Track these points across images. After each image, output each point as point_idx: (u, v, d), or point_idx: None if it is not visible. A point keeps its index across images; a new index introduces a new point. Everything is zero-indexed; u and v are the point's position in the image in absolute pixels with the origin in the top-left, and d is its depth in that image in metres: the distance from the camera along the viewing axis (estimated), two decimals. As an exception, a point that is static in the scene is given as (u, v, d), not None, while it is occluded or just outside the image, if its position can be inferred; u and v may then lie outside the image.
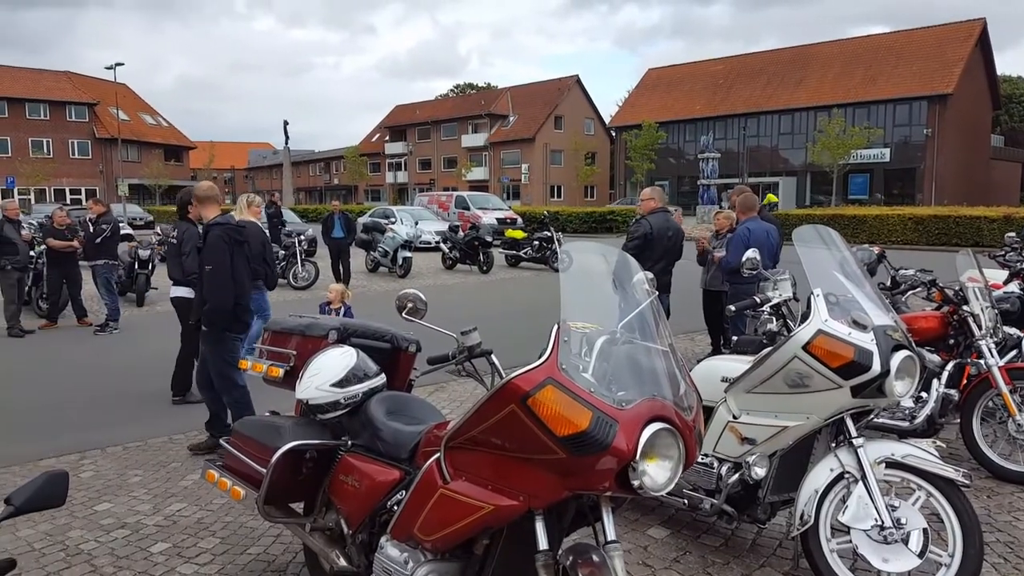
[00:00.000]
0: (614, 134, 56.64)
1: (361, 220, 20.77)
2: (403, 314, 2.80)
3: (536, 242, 18.00)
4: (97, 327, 10.00)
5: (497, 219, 24.32)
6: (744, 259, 4.42)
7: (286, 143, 45.65)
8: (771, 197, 17.49)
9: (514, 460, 2.14)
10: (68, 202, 41.47)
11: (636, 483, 2.03)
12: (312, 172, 78.71)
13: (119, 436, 5.50)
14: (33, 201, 42.45)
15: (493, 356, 2.48)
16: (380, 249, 16.41)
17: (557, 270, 16.91)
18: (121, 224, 12.49)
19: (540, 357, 2.09)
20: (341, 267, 14.37)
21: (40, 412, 6.19)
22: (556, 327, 2.15)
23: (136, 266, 12.34)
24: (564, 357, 2.11)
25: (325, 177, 76.42)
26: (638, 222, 6.56)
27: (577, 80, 60.09)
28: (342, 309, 6.58)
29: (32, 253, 10.62)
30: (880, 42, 45.34)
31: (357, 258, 15.94)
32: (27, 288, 10.70)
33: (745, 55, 52.83)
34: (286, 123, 45.05)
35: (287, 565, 3.53)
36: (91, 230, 10.09)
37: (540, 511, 2.16)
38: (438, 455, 2.34)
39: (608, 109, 66.63)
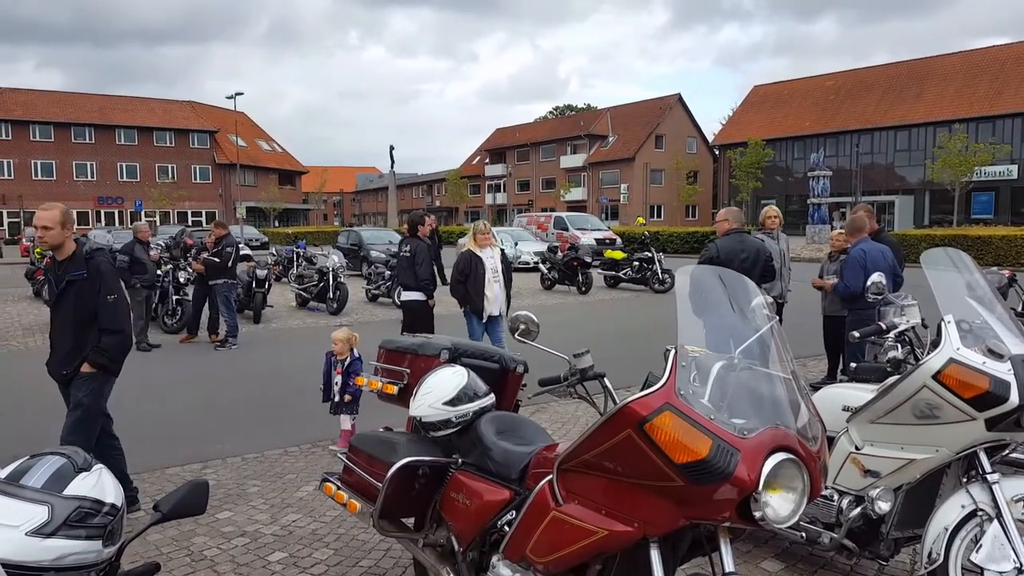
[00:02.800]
0: (717, 152, 55.47)
1: (461, 240, 21.21)
2: (515, 335, 2.83)
3: (636, 263, 17.79)
4: (218, 343, 10.63)
5: (596, 239, 24.24)
6: (869, 283, 4.22)
7: (391, 167, 47.26)
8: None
9: (629, 485, 2.12)
10: (190, 224, 44.52)
11: (758, 515, 1.97)
12: (415, 195, 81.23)
13: (238, 448, 5.80)
14: (159, 223, 45.79)
15: (606, 379, 2.46)
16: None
17: (657, 291, 16.71)
18: (240, 245, 13.29)
19: (657, 382, 2.07)
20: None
21: (164, 423, 6.61)
22: (673, 351, 2.11)
23: (254, 285, 13.03)
24: (682, 383, 2.07)
25: (427, 199, 78.63)
26: (707, 246, 6.41)
27: (679, 98, 59.36)
28: (348, 360, 5.74)
29: (159, 272, 11.43)
30: (1005, 53, 42.49)
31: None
32: (154, 305, 11.54)
33: (857, 69, 50.75)
34: (392, 148, 46.68)
35: (397, 579, 3.61)
36: (211, 252, 10.76)
37: (655, 538, 2.13)
38: (550, 477, 2.34)
39: (710, 127, 65.39)
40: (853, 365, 4.05)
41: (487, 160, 69.06)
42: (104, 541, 1.43)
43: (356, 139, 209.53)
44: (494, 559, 2.53)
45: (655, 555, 2.12)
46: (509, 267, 7.95)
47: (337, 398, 5.75)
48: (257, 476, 5.19)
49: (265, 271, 13.40)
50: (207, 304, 11.00)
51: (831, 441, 3.27)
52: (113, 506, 1.44)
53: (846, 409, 3.33)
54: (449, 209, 72.30)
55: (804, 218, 34.01)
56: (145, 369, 9.21)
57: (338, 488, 3.24)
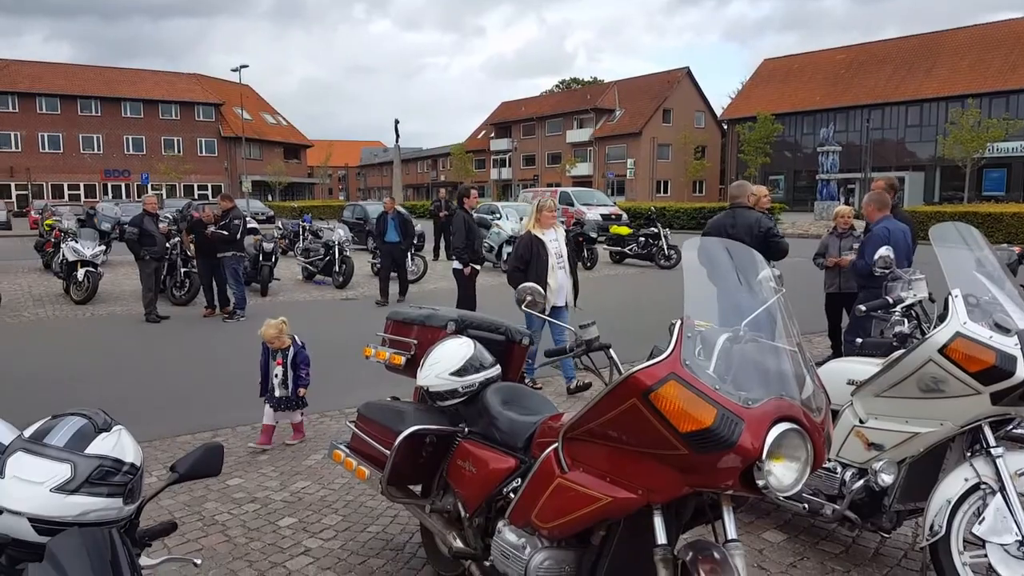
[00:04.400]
0: (726, 127, 54.95)
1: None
2: (522, 307, 2.85)
3: (642, 239, 17.75)
4: (226, 315, 10.70)
5: (602, 215, 24.14)
6: (876, 257, 4.21)
7: (396, 142, 46.98)
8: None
9: (633, 454, 2.15)
10: (196, 197, 44.52)
11: (761, 483, 2.00)
12: (420, 169, 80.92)
13: (247, 416, 5.85)
14: (165, 196, 45.81)
15: (611, 350, 2.49)
16: (485, 244, 16.66)
17: (663, 267, 16.69)
18: (247, 219, 13.31)
19: (661, 354, 2.09)
20: (398, 278, 12.25)
21: (174, 393, 6.70)
22: (679, 322, 2.13)
23: (261, 258, 13.09)
24: (687, 353, 2.09)
25: (432, 174, 78.34)
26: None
27: (687, 72, 58.66)
28: (291, 350, 5.25)
29: (167, 245, 11.48)
30: (1020, 27, 41.77)
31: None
32: (163, 277, 11.60)
33: (869, 43, 50.06)
34: (397, 122, 46.35)
35: (404, 544, 3.67)
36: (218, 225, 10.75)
37: (659, 505, 2.17)
38: (556, 445, 2.38)
39: (718, 102, 64.75)
40: (859, 340, 4.05)
41: (492, 134, 68.61)
42: (124, 499, 1.47)
43: (361, 113, 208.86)
44: (500, 524, 2.58)
45: (658, 522, 2.16)
46: (579, 248, 7.64)
47: (278, 392, 5.18)
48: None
49: (272, 244, 13.44)
50: (213, 278, 11.03)
51: (835, 414, 3.30)
52: (133, 465, 1.48)
53: (851, 383, 3.35)
54: (454, 184, 71.99)
55: (812, 194, 33.82)
56: (155, 340, 9.30)
57: (347, 455, 3.30)
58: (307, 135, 68.08)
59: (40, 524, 1.38)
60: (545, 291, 5.92)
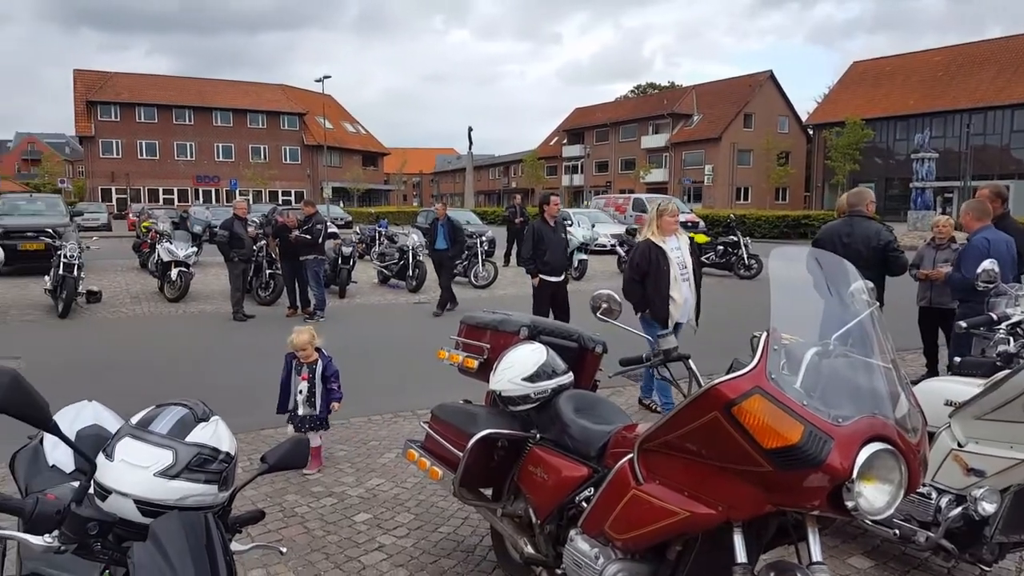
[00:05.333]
0: (811, 132, 53.14)
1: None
2: (597, 314, 2.83)
3: (720, 247, 17.34)
4: (306, 315, 11.04)
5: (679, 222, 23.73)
6: (979, 270, 3.96)
7: (469, 148, 47.76)
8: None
9: (713, 468, 2.09)
10: (280, 203, 46.23)
11: (851, 505, 1.91)
12: (492, 176, 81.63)
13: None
14: (251, 201, 47.63)
15: (691, 361, 2.43)
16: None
17: (743, 277, 16.24)
18: (328, 224, 13.72)
19: (743, 368, 2.03)
20: (440, 287, 11.75)
21: (259, 388, 6.90)
22: (765, 334, 2.06)
23: (339, 261, 13.46)
24: (773, 367, 2.02)
25: (503, 181, 78.91)
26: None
27: (770, 76, 57.00)
28: (319, 364, 4.84)
29: (254, 247, 11.94)
30: None
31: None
32: (249, 278, 12.08)
33: (970, 44, 47.45)
34: (470, 129, 47.19)
35: (475, 547, 3.69)
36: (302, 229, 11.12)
37: (739, 523, 2.09)
38: (631, 456, 2.34)
39: (804, 107, 62.77)
40: (957, 359, 3.83)
41: (565, 141, 68.48)
42: (220, 486, 1.53)
43: (437, 121, 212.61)
44: (572, 533, 2.56)
45: (738, 540, 2.09)
46: (700, 259, 6.47)
47: (301, 410, 4.79)
48: (343, 441, 5.39)
49: (350, 248, 13.80)
50: (296, 279, 11.40)
51: (931, 436, 3.12)
52: (228, 454, 1.55)
53: (948, 404, 3.16)
54: (525, 191, 72.34)
55: (905, 203, 32.24)
56: (241, 338, 9.69)
57: (421, 455, 3.34)
58: (384, 143, 69.72)
59: (144, 506, 1.45)
60: (668, 305, 5.56)
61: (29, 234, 15.54)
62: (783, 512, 2.11)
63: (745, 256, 16.50)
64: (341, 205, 49.66)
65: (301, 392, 4.78)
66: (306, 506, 4.23)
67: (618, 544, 2.35)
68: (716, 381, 2.01)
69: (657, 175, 56.94)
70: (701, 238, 18.54)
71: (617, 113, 64.45)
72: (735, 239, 16.98)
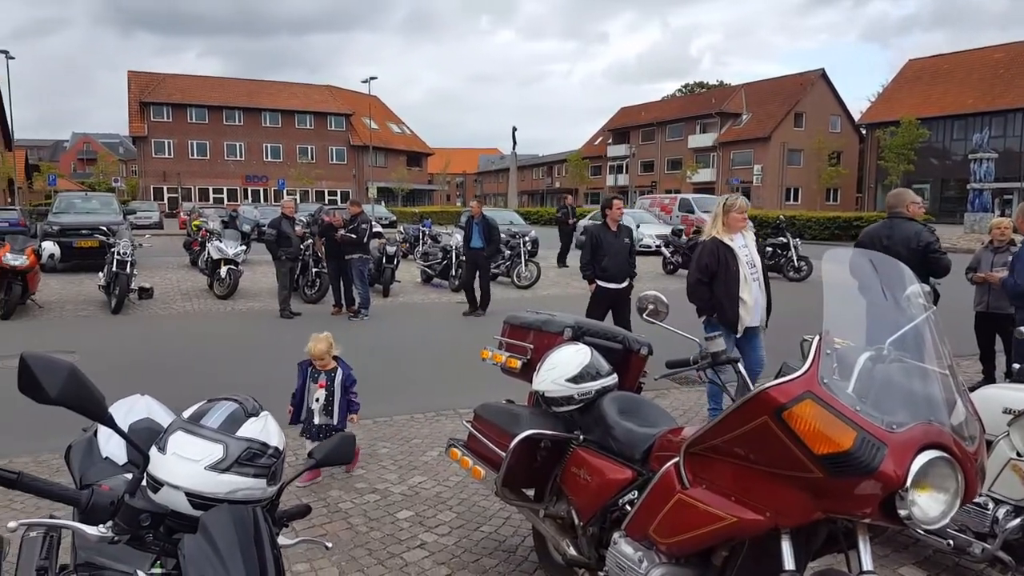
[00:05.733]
0: (864, 132, 51.79)
1: (582, 223, 21.05)
2: (643, 315, 2.80)
3: (769, 248, 17.01)
4: (351, 314, 11.20)
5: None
6: None
7: (513, 148, 47.77)
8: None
9: (761, 473, 2.05)
10: (326, 202, 46.93)
11: (904, 513, 1.86)
12: (535, 176, 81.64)
13: (369, 411, 6.04)
14: (298, 201, 48.54)
15: (740, 364, 2.39)
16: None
17: (792, 279, 15.91)
18: (373, 223, 13.89)
19: (792, 372, 1.99)
20: (479, 288, 11.55)
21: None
22: (817, 338, 2.02)
23: (384, 261, 13.61)
24: (825, 371, 1.97)
25: (547, 180, 78.85)
26: None
27: (822, 74, 55.70)
28: (338, 372, 4.67)
29: (301, 246, 12.16)
30: None
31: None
32: (296, 276, 12.31)
33: (1034, 40, 45.61)
34: (514, 129, 47.19)
35: (517, 547, 3.69)
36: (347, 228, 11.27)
37: (787, 529, 2.05)
38: (676, 460, 2.31)
39: (856, 106, 61.19)
40: (1016, 365, 3.69)
41: (610, 140, 68.06)
42: (268, 480, 1.56)
43: (481, 121, 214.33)
44: (615, 535, 2.54)
45: (786, 546, 2.05)
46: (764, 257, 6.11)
47: (318, 419, 4.60)
48: (386, 439, 5.45)
49: (394, 248, 13.94)
50: (341, 278, 11.56)
51: (988, 445, 3.02)
52: (276, 449, 1.57)
53: (1007, 412, 3.06)
54: (568, 190, 72.10)
55: (962, 205, 31.17)
56: (287, 335, 9.85)
57: (463, 454, 3.35)
58: (429, 143, 70.32)
59: (194, 498, 1.49)
60: (738, 307, 5.24)
61: (84, 232, 16.09)
62: (833, 519, 2.06)
63: (795, 258, 16.16)
64: (383, 203, 50.24)
65: (318, 400, 4.61)
66: (350, 502, 4.28)
67: (662, 548, 2.32)
68: (766, 385, 1.97)
69: (704, 175, 56.13)
70: (749, 239, 18.21)
71: (664, 112, 63.78)
72: (784, 240, 16.64)
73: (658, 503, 2.32)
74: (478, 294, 11.59)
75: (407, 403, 6.35)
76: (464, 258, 12.39)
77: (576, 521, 2.86)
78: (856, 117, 55.37)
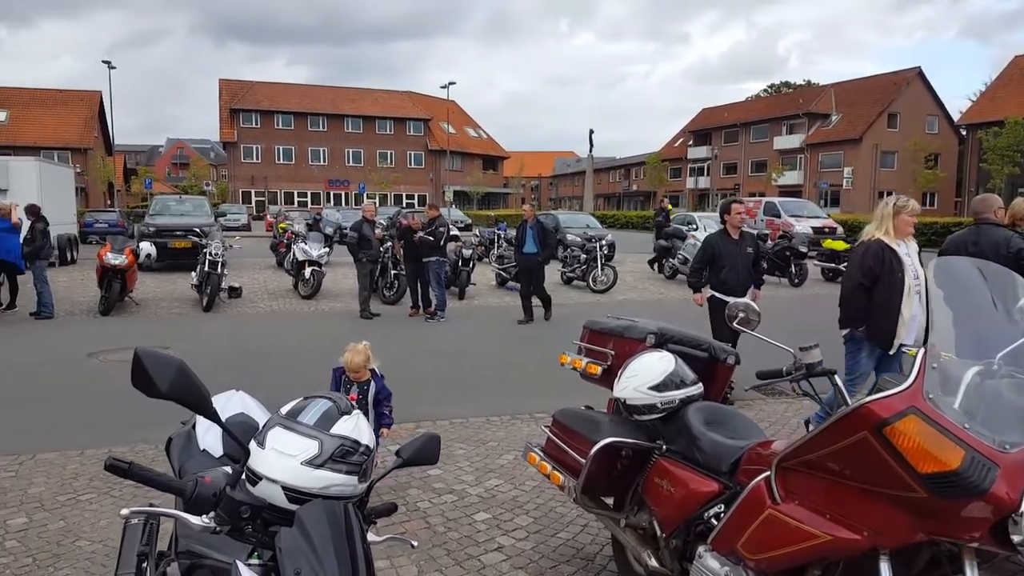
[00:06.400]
0: (964, 133, 49.02)
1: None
2: (734, 324, 2.72)
3: (857, 255, 16.29)
4: (428, 316, 11.37)
5: (813, 228, 22.47)
6: None
7: (590, 151, 47.47)
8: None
9: (859, 491, 1.97)
10: (404, 206, 47.92)
11: (1017, 539, 1.74)
12: (612, 179, 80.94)
13: (445, 412, 6.18)
14: (378, 204, 49.70)
15: (837, 377, 2.29)
16: (680, 256, 16.24)
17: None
18: (450, 227, 14.07)
19: (889, 387, 1.89)
20: (533, 294, 11.15)
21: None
22: (922, 351, 1.92)
23: (460, 264, 13.77)
24: (930, 385, 1.87)
25: (624, 183, 78.05)
26: None
27: (918, 73, 52.95)
28: (372, 385, 4.43)
29: (381, 249, 12.44)
30: None
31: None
32: (376, 278, 12.60)
33: None
34: (591, 132, 46.87)
35: (595, 555, 3.66)
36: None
37: (887, 551, 1.96)
38: (767, 474, 2.24)
39: (956, 105, 57.96)
40: None
41: (691, 142, 66.75)
42: (359, 477, 1.59)
43: (558, 124, 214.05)
44: (700, 549, 2.48)
45: (885, 568, 1.95)
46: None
47: None
48: (462, 440, 5.50)
49: (470, 251, 14.09)
50: (419, 280, 11.75)
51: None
52: (367, 447, 1.60)
53: None
54: (646, 193, 71.16)
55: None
56: (367, 336, 10.04)
57: (542, 459, 3.34)
58: (505, 146, 70.83)
59: (291, 493, 1.53)
60: (896, 321, 4.71)
61: (178, 233, 16.99)
62: (937, 542, 1.95)
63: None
64: (452, 206, 50.90)
65: None
66: (428, 501, 4.34)
67: (751, 564, 2.25)
68: (867, 399, 1.89)
69: (791, 177, 54.24)
70: (840, 245, 17.50)
71: (748, 113, 62.09)
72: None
73: (747, 518, 2.25)
74: (523, 301, 11.18)
75: (482, 405, 6.39)
76: (518, 263, 11.87)
77: (658, 532, 2.81)
78: (955, 117, 52.44)
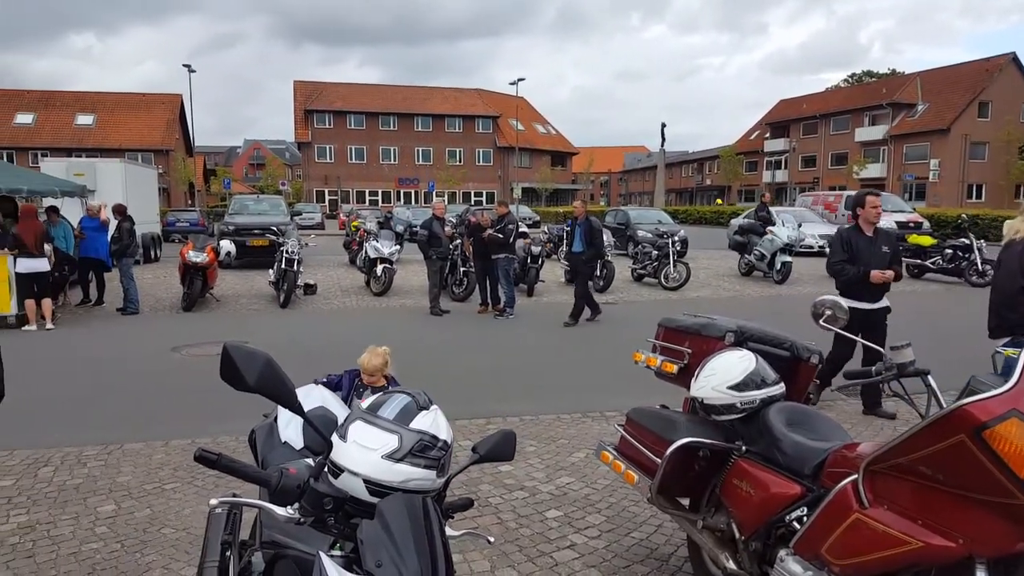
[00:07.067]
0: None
1: (735, 221, 20.23)
2: (820, 322, 2.63)
3: (949, 250, 15.51)
4: (496, 312, 11.43)
5: (897, 222, 21.49)
6: None
7: (662, 145, 46.87)
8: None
9: (954, 497, 1.88)
10: (472, 203, 48.33)
11: None
12: (684, 173, 79.54)
13: (515, 409, 6.19)
14: (447, 202, 50.22)
15: (930, 377, 2.18)
16: (756, 252, 15.81)
17: (975, 285, 14.42)
18: (519, 224, 14.09)
19: (983, 389, 1.79)
20: (584, 296, 10.68)
21: (453, 380, 7.25)
22: (1025, 351, 1.79)
23: (528, 261, 13.78)
24: (1035, 387, 1.75)
25: (697, 178, 76.57)
26: None
27: (1013, 59, 49.86)
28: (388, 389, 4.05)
29: (450, 246, 12.57)
30: None
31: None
32: (445, 275, 12.74)
33: None
34: (663, 125, 46.33)
35: (669, 556, 3.60)
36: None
37: (984, 560, 1.86)
38: (854, 477, 2.15)
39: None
40: None
41: (767, 135, 64.84)
42: (438, 472, 1.60)
43: (628, 119, 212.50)
44: (782, 553, 2.41)
45: (983, 578, 1.84)
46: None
47: None
48: (533, 437, 5.49)
49: (539, 248, 14.08)
50: (487, 277, 11.82)
51: None
52: (445, 442, 1.61)
53: None
54: (720, 188, 69.59)
55: None
56: (437, 332, 10.25)
57: (615, 457, 3.31)
58: (573, 142, 70.45)
59: (371, 486, 1.56)
60: None
61: (256, 231, 17.60)
62: (1041, 553, 1.83)
63: (978, 261, 14.62)
64: (520, 202, 50.95)
65: None
66: (499, 497, 4.36)
67: (836, 570, 2.18)
68: (964, 401, 1.79)
69: (873, 170, 52.00)
70: (926, 240, 16.68)
71: (828, 104, 59.86)
72: (967, 242, 15.10)
73: (833, 522, 2.17)
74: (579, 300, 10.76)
75: (552, 403, 6.38)
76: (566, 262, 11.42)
77: (737, 535, 2.74)
78: (1054, 105, 49.20)
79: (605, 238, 14.46)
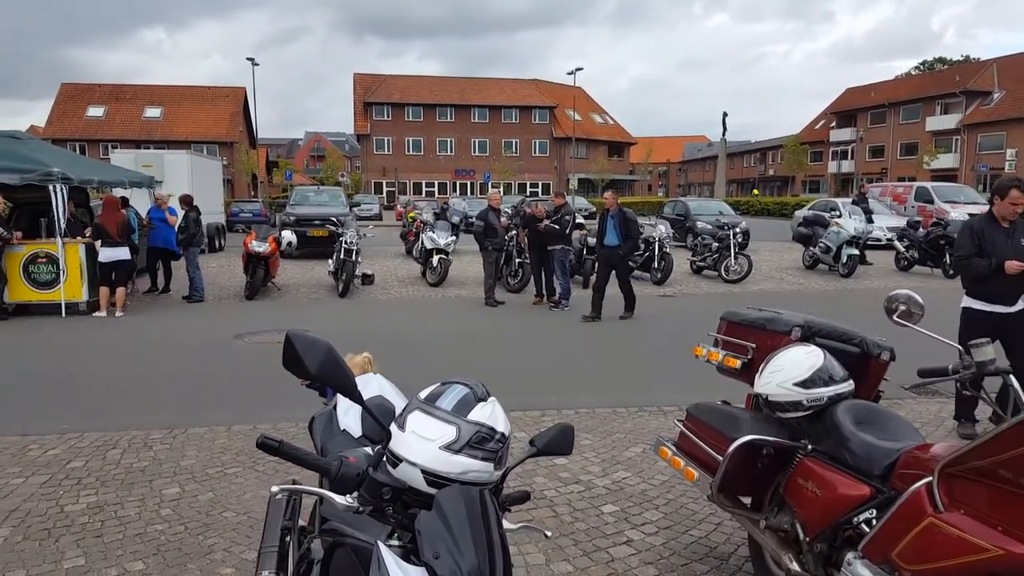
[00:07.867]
0: None
1: (799, 213, 19.66)
2: (893, 317, 2.51)
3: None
4: (551, 304, 11.39)
5: (970, 214, 20.56)
6: None
7: (723, 135, 45.81)
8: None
9: (1039, 504, 1.76)
10: (528, 194, 48.28)
11: None
12: (746, 164, 77.71)
13: (571, 401, 6.15)
14: (502, 193, 50.37)
15: (1012, 377, 2.05)
16: (822, 245, 15.32)
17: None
18: (575, 215, 13.99)
19: None
20: (622, 290, 10.45)
21: (507, 371, 7.25)
22: None
23: (584, 252, 13.69)
24: None
25: (759, 168, 74.72)
26: None
27: (1094, 42, 47.11)
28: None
29: (506, 237, 12.57)
30: None
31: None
32: (500, 266, 12.75)
33: None
34: (725, 114, 45.19)
35: (729, 555, 3.52)
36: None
37: (1071, 572, 1.74)
38: (929, 480, 2.05)
39: None
40: None
41: (833, 124, 62.73)
42: (495, 464, 1.59)
43: (687, 108, 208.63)
44: (849, 556, 2.32)
45: (1070, 593, 1.73)
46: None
47: None
48: (588, 430, 5.44)
49: (595, 239, 13.95)
50: (543, 269, 11.76)
51: None
52: (503, 434, 1.60)
53: None
54: (783, 179, 67.71)
55: None
56: (492, 323, 10.27)
57: (674, 454, 3.25)
58: (632, 132, 69.56)
59: (429, 476, 1.55)
60: None
61: (316, 222, 17.92)
62: None
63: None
64: (576, 193, 50.64)
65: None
66: (554, 490, 4.33)
67: (907, 575, 2.08)
68: (1055, 404, 1.67)
69: (945, 160, 49.77)
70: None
71: (897, 92, 57.53)
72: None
73: (904, 526, 2.08)
74: (594, 294, 10.42)
75: (609, 396, 6.31)
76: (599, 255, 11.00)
77: (801, 535, 2.65)
78: None
79: (663, 229, 14.30)
